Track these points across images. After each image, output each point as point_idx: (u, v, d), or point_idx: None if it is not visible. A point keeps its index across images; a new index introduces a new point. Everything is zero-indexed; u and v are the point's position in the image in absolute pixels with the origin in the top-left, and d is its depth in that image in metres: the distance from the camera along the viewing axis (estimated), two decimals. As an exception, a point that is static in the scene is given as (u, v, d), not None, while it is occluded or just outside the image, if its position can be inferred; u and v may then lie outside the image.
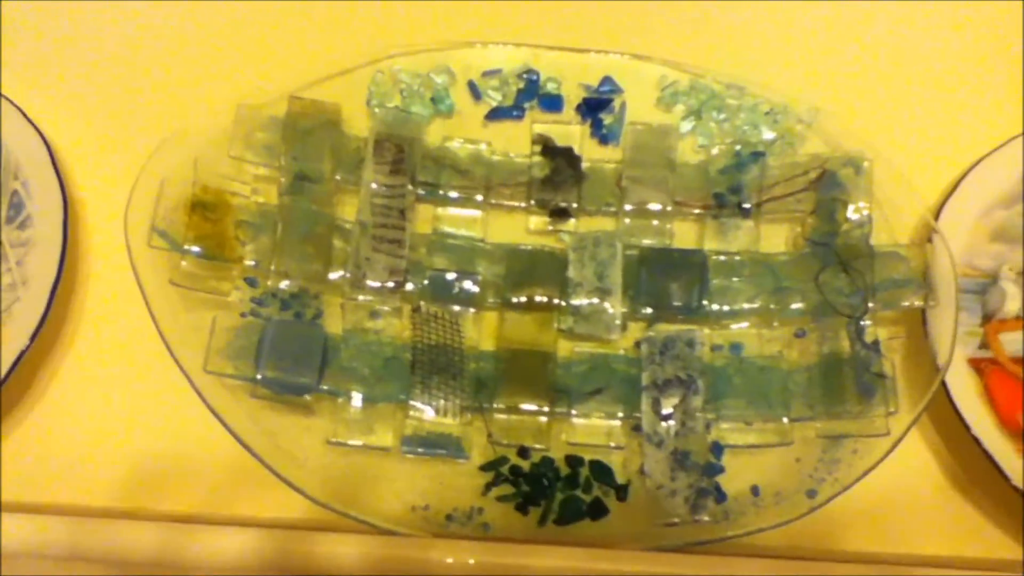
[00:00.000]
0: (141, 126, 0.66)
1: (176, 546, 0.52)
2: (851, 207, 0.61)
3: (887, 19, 0.71)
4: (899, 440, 0.55)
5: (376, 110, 0.65)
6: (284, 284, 0.59)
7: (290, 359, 0.56)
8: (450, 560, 0.52)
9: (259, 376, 0.56)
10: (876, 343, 0.58)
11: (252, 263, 0.59)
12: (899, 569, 0.54)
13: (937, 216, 0.61)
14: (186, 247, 0.57)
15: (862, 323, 0.58)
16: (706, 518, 0.54)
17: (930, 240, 0.59)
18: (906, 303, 0.58)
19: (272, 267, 0.59)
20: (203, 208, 0.58)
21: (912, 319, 0.59)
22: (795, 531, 0.54)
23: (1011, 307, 0.61)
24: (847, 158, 0.62)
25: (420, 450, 0.56)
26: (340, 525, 0.54)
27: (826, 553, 0.56)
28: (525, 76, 0.67)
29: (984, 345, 0.60)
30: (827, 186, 0.62)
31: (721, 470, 0.56)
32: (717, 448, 0.57)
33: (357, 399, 0.57)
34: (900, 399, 0.56)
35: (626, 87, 0.66)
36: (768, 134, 0.65)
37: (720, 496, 0.55)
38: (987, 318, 0.61)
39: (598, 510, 0.56)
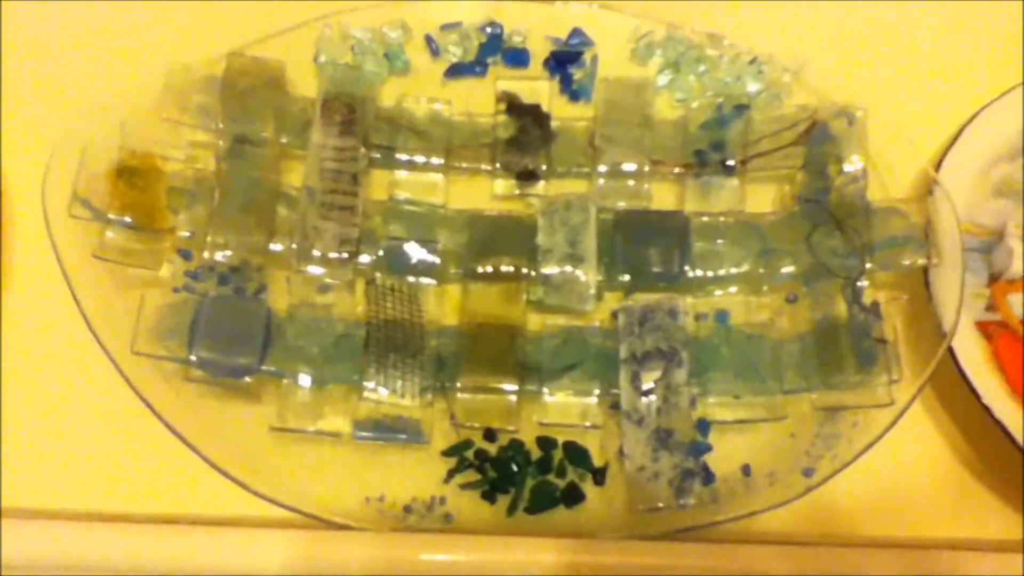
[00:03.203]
0: (66, 89, 0.61)
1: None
2: (844, 161, 0.57)
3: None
4: (904, 410, 0.51)
5: (325, 68, 0.61)
6: (222, 256, 0.55)
7: (228, 338, 0.52)
8: (408, 556, 0.48)
9: (193, 357, 0.52)
10: (875, 306, 0.54)
11: (186, 234, 0.55)
12: (905, 552, 0.51)
13: (936, 170, 0.58)
14: (111, 216, 0.53)
15: (859, 285, 0.54)
16: (692, 502, 0.51)
17: (930, 193, 0.56)
18: (907, 262, 0.55)
19: (209, 238, 0.54)
20: (131, 174, 0.54)
21: (913, 280, 0.55)
22: (790, 514, 0.51)
23: (1019, 266, 0.57)
24: (839, 109, 0.58)
25: (375, 435, 0.52)
26: (287, 520, 0.50)
27: (824, 537, 0.52)
28: (487, 29, 0.63)
29: (991, 307, 0.57)
30: (817, 139, 0.58)
31: (708, 449, 0.53)
32: (703, 425, 0.53)
33: (305, 381, 0.53)
34: (903, 366, 0.52)
35: (597, 39, 0.63)
36: (752, 86, 0.61)
37: (708, 477, 0.52)
38: (993, 278, 0.58)
39: (573, 496, 0.52)
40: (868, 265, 0.55)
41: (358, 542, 0.49)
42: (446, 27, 0.62)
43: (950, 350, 0.53)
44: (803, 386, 0.53)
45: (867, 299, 0.54)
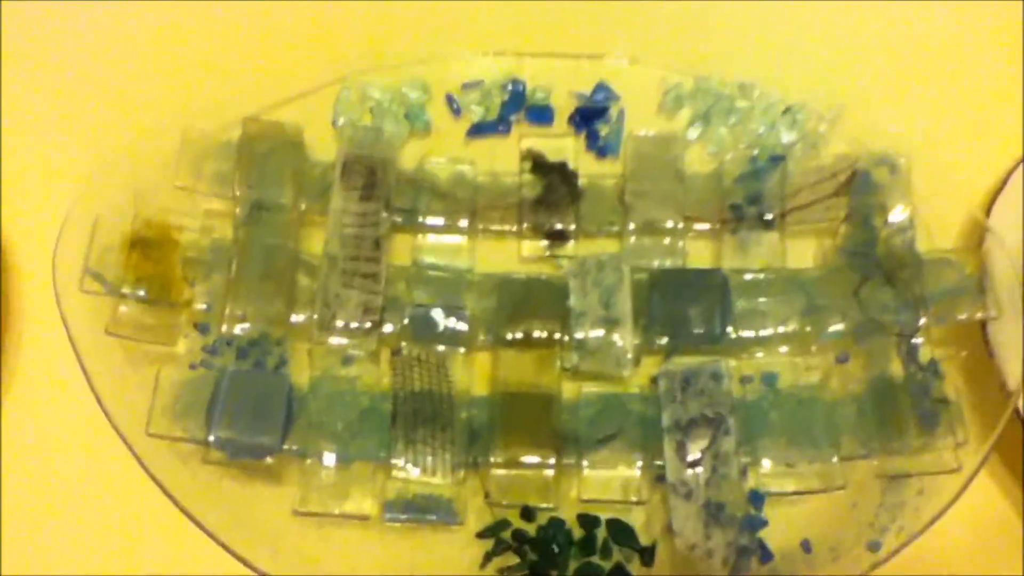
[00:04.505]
0: (78, 155, 0.60)
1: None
2: (889, 211, 0.55)
3: (908, 5, 0.65)
4: (973, 476, 0.49)
5: (344, 130, 0.59)
6: (240, 329, 0.53)
7: (248, 416, 0.50)
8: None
9: (212, 437, 0.49)
10: (934, 364, 0.52)
11: (203, 306, 0.53)
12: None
13: (986, 217, 0.55)
14: (124, 290, 0.52)
15: (914, 341, 0.53)
16: None
17: (983, 242, 0.54)
18: (963, 316, 0.53)
19: (227, 310, 0.53)
20: (144, 245, 0.53)
21: (972, 335, 0.53)
22: None
23: None
24: (880, 156, 0.57)
25: (405, 516, 0.50)
26: None
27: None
28: (510, 87, 0.61)
29: None
30: (859, 189, 0.56)
31: (764, 523, 0.50)
32: (757, 497, 0.50)
33: (329, 459, 0.51)
34: (968, 428, 0.50)
35: (623, 93, 0.61)
36: (787, 136, 0.60)
37: (765, 555, 0.49)
38: None
39: None
40: (923, 320, 0.52)
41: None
42: (467, 86, 0.61)
43: (1016, 410, 0.50)
44: (861, 452, 0.51)
45: (924, 357, 0.52)
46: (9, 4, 0.63)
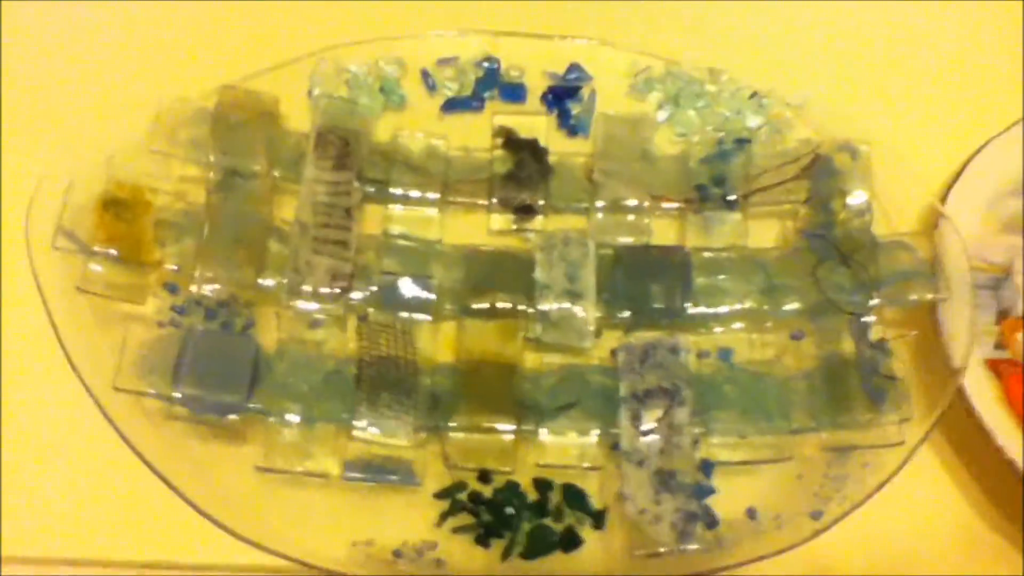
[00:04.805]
0: (54, 120, 0.61)
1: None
2: (848, 195, 0.57)
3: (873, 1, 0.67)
4: (915, 449, 0.50)
5: (319, 101, 0.60)
6: (209, 290, 0.53)
7: (214, 374, 0.51)
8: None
9: (177, 394, 0.50)
10: (883, 342, 0.53)
11: (173, 267, 0.54)
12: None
13: (942, 204, 0.57)
14: (96, 248, 0.52)
15: (866, 321, 0.54)
16: (696, 546, 0.49)
17: (937, 227, 0.55)
18: (914, 297, 0.54)
19: (196, 272, 0.53)
20: (117, 206, 0.53)
21: (922, 316, 0.55)
22: (797, 558, 0.49)
23: None
24: (842, 143, 0.58)
25: (365, 476, 0.51)
26: (272, 566, 0.49)
27: (833, 582, 0.51)
28: (484, 64, 0.63)
29: (1001, 344, 0.56)
30: (821, 173, 0.58)
31: (712, 491, 0.51)
32: (707, 466, 0.51)
33: (293, 419, 0.51)
34: (913, 404, 0.51)
35: (595, 74, 0.63)
36: (753, 120, 0.61)
37: (711, 521, 0.50)
38: (1002, 315, 0.57)
39: (571, 541, 0.51)
40: (875, 300, 0.54)
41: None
42: (442, 62, 0.62)
43: (960, 388, 0.52)
44: (811, 425, 0.52)
45: (875, 335, 0.53)
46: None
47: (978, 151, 0.59)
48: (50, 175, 0.53)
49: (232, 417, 0.51)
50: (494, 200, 0.58)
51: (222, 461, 0.51)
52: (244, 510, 0.49)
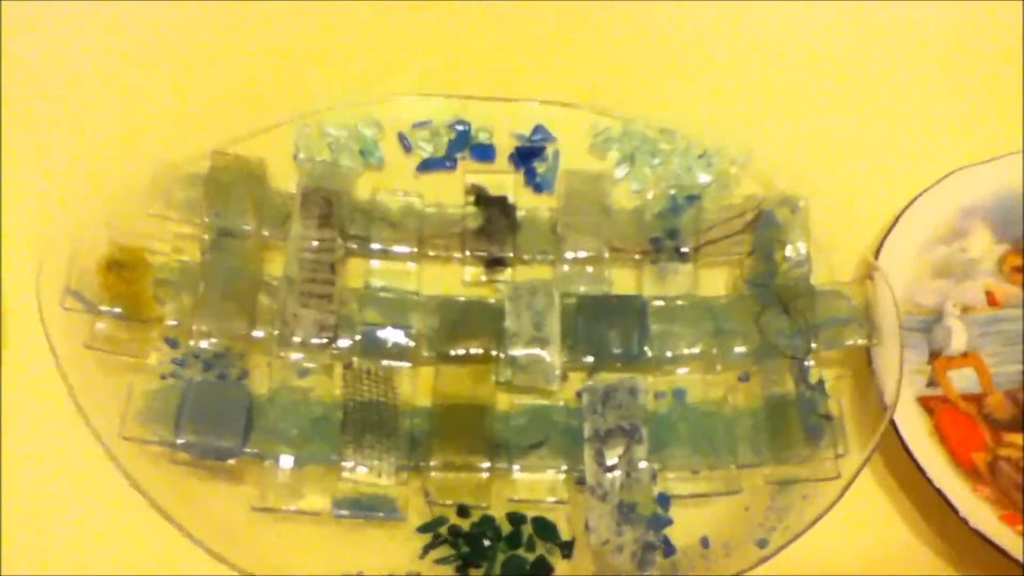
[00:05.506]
0: (55, 186, 0.64)
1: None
2: (789, 247, 0.61)
3: (814, 58, 0.72)
4: (850, 483, 0.53)
5: (303, 164, 0.63)
6: (206, 343, 0.57)
7: (212, 422, 0.54)
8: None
9: (179, 440, 0.53)
10: (821, 384, 0.57)
11: (173, 323, 0.57)
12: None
13: (877, 253, 0.61)
14: (102, 308, 0.55)
15: (806, 364, 0.57)
16: (654, 573, 0.52)
17: (871, 277, 0.59)
18: (849, 342, 0.58)
19: (193, 326, 0.57)
20: (119, 267, 0.56)
21: (857, 358, 0.58)
22: None
23: (957, 344, 0.61)
24: (782, 198, 0.62)
25: (353, 513, 0.53)
26: None
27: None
28: (456, 127, 0.66)
29: (933, 383, 0.60)
30: (764, 226, 0.61)
31: (669, 522, 0.54)
32: (664, 499, 0.54)
33: (285, 462, 0.54)
34: (849, 441, 0.55)
35: (558, 135, 0.66)
36: (703, 177, 0.65)
37: (668, 549, 0.53)
38: (934, 355, 0.61)
39: (542, 569, 0.53)
40: (813, 345, 0.58)
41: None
42: (417, 125, 0.66)
43: (893, 425, 0.55)
44: (755, 460, 0.55)
45: (813, 377, 0.57)
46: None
47: (911, 203, 0.63)
48: (54, 240, 0.56)
49: (230, 461, 0.54)
50: (467, 253, 0.62)
51: (220, 500, 0.53)
52: (241, 544, 0.52)
